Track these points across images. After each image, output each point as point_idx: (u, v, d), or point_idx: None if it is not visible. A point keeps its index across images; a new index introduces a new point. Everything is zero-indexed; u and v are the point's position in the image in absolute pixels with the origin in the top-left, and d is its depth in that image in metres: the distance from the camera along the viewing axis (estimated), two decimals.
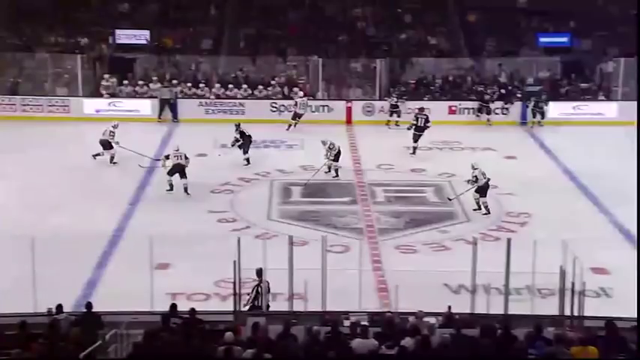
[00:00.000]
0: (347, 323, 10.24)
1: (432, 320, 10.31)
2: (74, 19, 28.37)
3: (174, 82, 25.91)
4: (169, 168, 18.22)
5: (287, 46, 28.02)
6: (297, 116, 24.37)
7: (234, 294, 11.29)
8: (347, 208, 17.91)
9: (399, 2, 29.79)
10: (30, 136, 22.69)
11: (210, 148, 22.05)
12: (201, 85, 25.93)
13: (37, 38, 27.62)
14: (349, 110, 25.53)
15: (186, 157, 18.29)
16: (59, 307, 10.59)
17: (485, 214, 17.19)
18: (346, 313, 10.81)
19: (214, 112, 25.43)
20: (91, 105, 25.53)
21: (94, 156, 20.33)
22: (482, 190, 17.30)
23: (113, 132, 20.41)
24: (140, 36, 27.46)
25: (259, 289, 11.86)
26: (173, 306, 10.77)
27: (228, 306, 11.58)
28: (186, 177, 18.04)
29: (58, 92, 25.97)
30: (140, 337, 9.44)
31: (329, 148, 19.69)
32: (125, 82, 25.94)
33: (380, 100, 25.92)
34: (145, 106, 25.51)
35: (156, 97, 25.45)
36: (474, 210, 17.35)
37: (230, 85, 25.83)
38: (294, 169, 20.47)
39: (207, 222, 16.66)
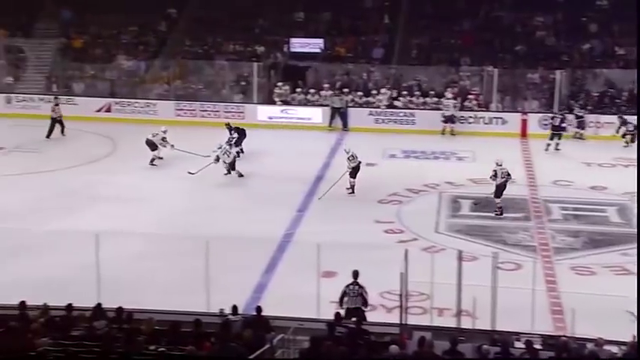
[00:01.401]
0: (518, 344, 9.89)
1: (614, 349, 9.74)
2: (252, 29, 29.59)
3: (345, 90, 26.32)
4: (228, 163, 19.79)
5: (460, 55, 27.66)
6: (448, 120, 24.23)
7: (401, 306, 11.24)
8: (519, 224, 17.35)
9: (584, 11, 28.54)
10: (207, 141, 23.82)
11: (379, 157, 22.21)
12: (372, 93, 26.18)
13: (217, 47, 29.06)
14: (524, 123, 24.78)
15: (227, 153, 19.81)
16: (234, 308, 10.99)
17: (499, 213, 17.37)
18: (517, 333, 10.44)
19: (384, 122, 25.57)
20: (264, 112, 26.48)
21: (153, 161, 21.21)
22: (497, 190, 17.36)
23: (165, 137, 21.27)
24: (314, 44, 28.18)
25: (347, 289, 11.85)
26: (338, 315, 10.89)
27: (394, 318, 11.54)
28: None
29: (234, 99, 27.15)
30: (306, 344, 9.62)
31: (349, 159, 19.09)
32: (298, 89, 26.67)
33: (559, 112, 24.94)
34: (316, 114, 26.08)
35: (327, 106, 25.97)
36: (496, 214, 17.46)
37: (404, 93, 25.92)
38: (463, 181, 20.13)
39: (374, 232, 16.73)
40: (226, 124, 22.37)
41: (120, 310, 10.79)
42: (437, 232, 16.96)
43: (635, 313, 11.33)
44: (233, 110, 26.48)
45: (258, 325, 10.46)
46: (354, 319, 11.07)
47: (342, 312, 11.47)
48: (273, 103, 26.62)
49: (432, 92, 25.80)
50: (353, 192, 19.05)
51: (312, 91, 26.58)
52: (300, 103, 26.47)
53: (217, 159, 19.83)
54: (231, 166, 20.03)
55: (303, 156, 20.87)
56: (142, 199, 18.60)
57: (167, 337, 9.71)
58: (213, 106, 26.59)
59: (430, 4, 29.55)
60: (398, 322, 11.21)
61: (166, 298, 12.62)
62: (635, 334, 10.07)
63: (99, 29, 29.61)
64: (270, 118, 26.26)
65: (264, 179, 20.18)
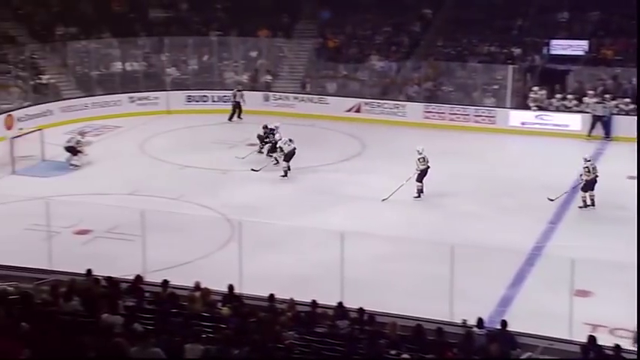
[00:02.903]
0: None
1: None
2: (509, 29, 28.90)
3: (607, 96, 24.79)
4: (285, 154, 20.43)
5: None
6: None
7: None
8: None
9: None
10: (455, 144, 23.71)
11: None
12: None
13: (470, 48, 28.75)
14: None
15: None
16: (480, 321, 10.73)
17: (583, 206, 17.89)
18: None
19: None
20: (517, 117, 25.78)
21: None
22: (589, 185, 17.91)
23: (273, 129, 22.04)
24: (576, 46, 26.90)
25: None
26: (592, 338, 10.24)
27: None
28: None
29: (485, 102, 26.71)
30: None
31: (419, 160, 18.73)
32: (558, 95, 25.57)
33: None
34: (575, 121, 24.90)
35: (588, 112, 24.65)
36: (580, 207, 17.94)
37: None
38: None
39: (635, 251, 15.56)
40: (264, 127, 22.37)
41: (361, 310, 10.97)
42: None
43: None
44: (484, 114, 26.11)
45: (504, 340, 10.14)
46: None
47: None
48: (528, 108, 25.83)
49: None
50: (419, 196, 18.76)
51: (570, 96, 25.39)
52: (558, 109, 25.40)
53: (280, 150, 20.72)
54: (286, 158, 20.52)
55: (558, 165, 19.96)
56: (388, 200, 18.87)
57: (409, 343, 9.72)
58: (463, 109, 26.36)
59: None
60: None
61: (407, 303, 12.71)
62: None
63: (354, 29, 30.59)
64: (523, 123, 25.53)
65: (514, 188, 19.56)
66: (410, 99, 27.39)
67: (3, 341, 8.06)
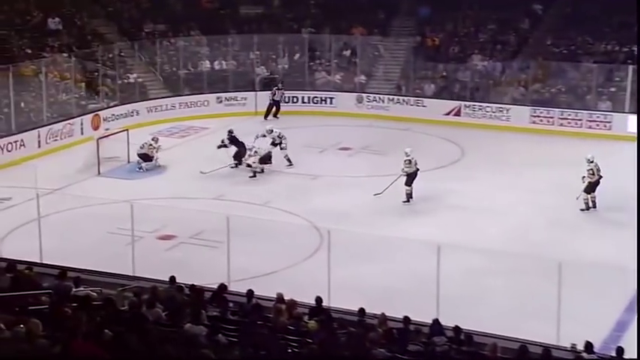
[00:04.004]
0: None
1: None
2: (630, 26, 27.95)
3: None
4: (260, 157, 21.19)
5: None
6: None
7: None
8: None
9: None
10: (564, 152, 23.11)
11: None
12: None
13: (585, 47, 28.02)
14: None
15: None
16: (589, 345, 10.36)
17: (585, 209, 18.29)
18: None
19: None
20: (635, 122, 24.94)
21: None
22: (592, 187, 18.38)
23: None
24: None
25: None
26: None
27: None
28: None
29: (600, 106, 25.98)
30: None
31: (405, 162, 18.97)
32: None
33: None
34: None
35: None
36: (581, 210, 18.30)
37: None
38: None
39: None
40: (229, 131, 22.19)
41: (457, 329, 10.81)
42: None
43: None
44: (598, 119, 25.51)
45: None
46: None
47: None
48: None
49: None
50: (408, 201, 18.96)
51: None
52: None
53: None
54: (262, 161, 21.28)
55: None
56: (488, 210, 18.61)
57: None
58: (575, 114, 25.77)
59: None
60: None
61: (506, 322, 12.46)
62: None
63: (455, 27, 30.27)
64: None
65: (630, 201, 18.89)
66: (515, 102, 26.92)
67: (86, 346, 8.30)
